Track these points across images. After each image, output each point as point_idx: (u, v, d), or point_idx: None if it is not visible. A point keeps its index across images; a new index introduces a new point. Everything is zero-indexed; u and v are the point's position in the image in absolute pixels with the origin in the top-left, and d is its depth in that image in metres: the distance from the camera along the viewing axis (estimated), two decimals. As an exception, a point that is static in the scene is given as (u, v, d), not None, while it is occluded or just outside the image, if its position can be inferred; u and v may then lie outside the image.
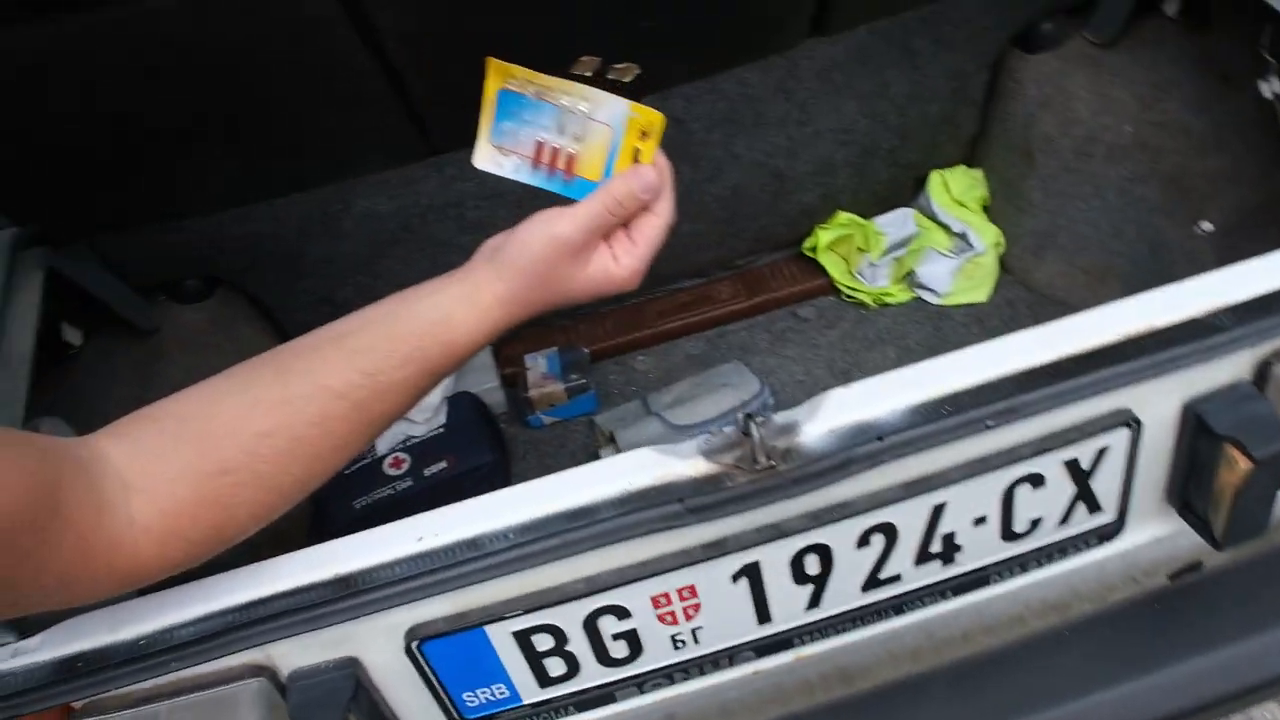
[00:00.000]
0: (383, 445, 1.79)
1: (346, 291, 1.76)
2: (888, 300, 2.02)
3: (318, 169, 1.28)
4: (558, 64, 1.27)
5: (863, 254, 2.06)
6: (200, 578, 1.02)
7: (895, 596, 1.18)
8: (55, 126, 1.12)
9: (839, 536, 1.08)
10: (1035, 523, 1.16)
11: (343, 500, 1.71)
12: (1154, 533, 1.26)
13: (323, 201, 1.53)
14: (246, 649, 0.97)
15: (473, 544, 1.00)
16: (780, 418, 1.06)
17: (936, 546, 1.14)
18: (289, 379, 0.83)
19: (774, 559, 1.08)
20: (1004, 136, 1.85)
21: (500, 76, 0.94)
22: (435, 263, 1.76)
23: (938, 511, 1.10)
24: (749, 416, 1.03)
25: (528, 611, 1.04)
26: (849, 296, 2.05)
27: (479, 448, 1.76)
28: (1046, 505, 1.15)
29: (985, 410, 1.03)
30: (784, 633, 1.17)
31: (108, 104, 1.10)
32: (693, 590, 1.08)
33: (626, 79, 1.38)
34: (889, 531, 1.10)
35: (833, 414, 1.05)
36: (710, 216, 1.90)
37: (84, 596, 0.80)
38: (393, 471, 1.74)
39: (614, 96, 0.98)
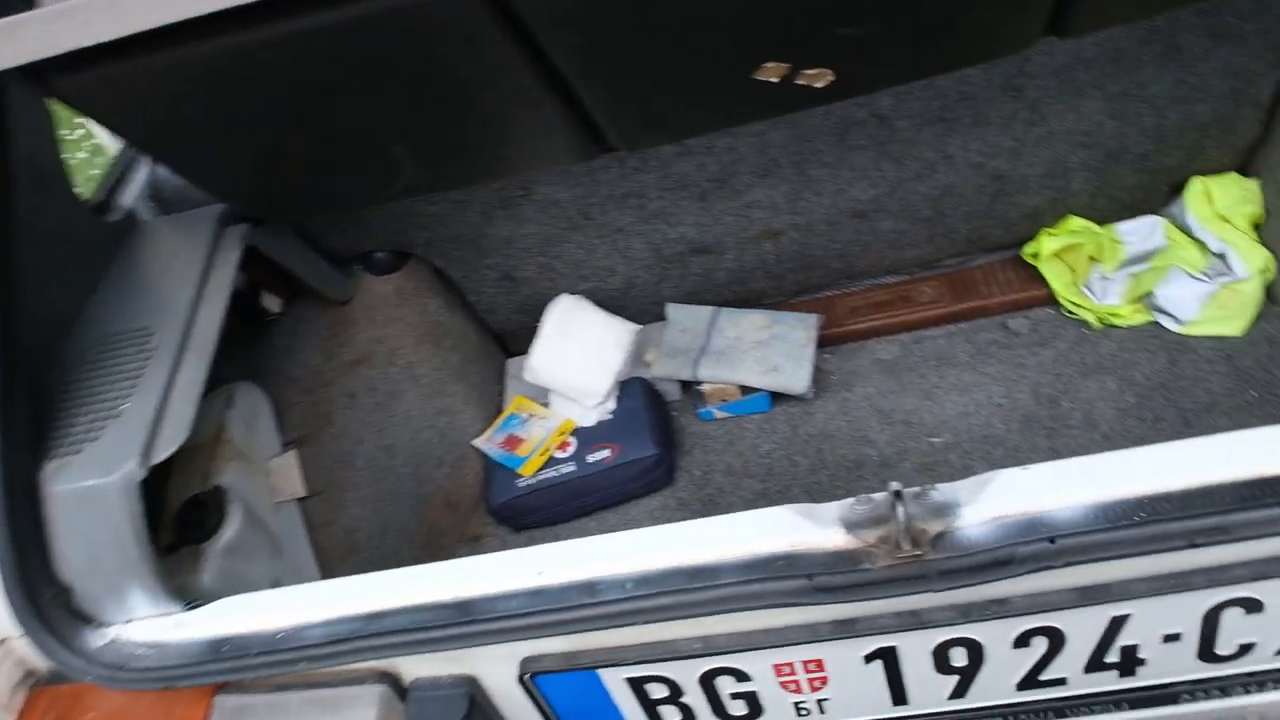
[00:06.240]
0: (552, 424, 1.81)
1: (528, 270, 1.76)
2: (1115, 321, 1.77)
3: (491, 167, 1.26)
4: (742, 72, 1.17)
5: (1094, 264, 1.82)
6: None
7: (1057, 699, 1.05)
8: (257, 123, 1.16)
9: (992, 635, 0.96)
10: (1246, 647, 0.98)
11: (508, 478, 1.75)
12: None
13: (504, 187, 1.53)
14: (367, 660, 0.99)
15: (589, 588, 0.97)
16: (939, 494, 0.94)
17: (1113, 657, 0.99)
18: None
19: (914, 647, 0.98)
20: (1293, 146, 1.55)
21: None
22: (615, 248, 1.73)
23: (1117, 623, 0.95)
24: (898, 494, 0.92)
25: (642, 662, 1.00)
26: (1070, 312, 1.81)
27: (643, 440, 1.73)
28: (1265, 632, 0.97)
29: (1189, 525, 0.86)
30: (921, 717, 1.07)
31: (301, 106, 1.12)
32: (820, 664, 1.00)
33: (818, 85, 1.26)
34: (1054, 636, 0.97)
35: (1000, 499, 0.92)
36: (915, 215, 1.74)
37: None
38: (560, 454, 1.76)
39: None
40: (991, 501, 0.92)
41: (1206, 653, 0.98)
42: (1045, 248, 1.81)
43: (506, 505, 1.74)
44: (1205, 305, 1.71)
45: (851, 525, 0.94)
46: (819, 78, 1.17)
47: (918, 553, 0.90)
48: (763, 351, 1.82)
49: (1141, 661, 0.99)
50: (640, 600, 0.95)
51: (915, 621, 0.95)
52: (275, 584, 1.38)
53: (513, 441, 1.82)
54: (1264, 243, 1.68)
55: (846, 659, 0.99)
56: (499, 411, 1.90)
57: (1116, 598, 0.92)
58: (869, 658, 0.99)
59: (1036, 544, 0.88)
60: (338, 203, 1.35)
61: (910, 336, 1.90)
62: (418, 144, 1.18)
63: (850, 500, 0.97)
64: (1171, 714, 1.07)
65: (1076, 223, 1.80)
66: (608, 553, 0.99)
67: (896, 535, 0.90)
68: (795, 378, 1.78)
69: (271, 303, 1.56)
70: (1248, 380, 1.63)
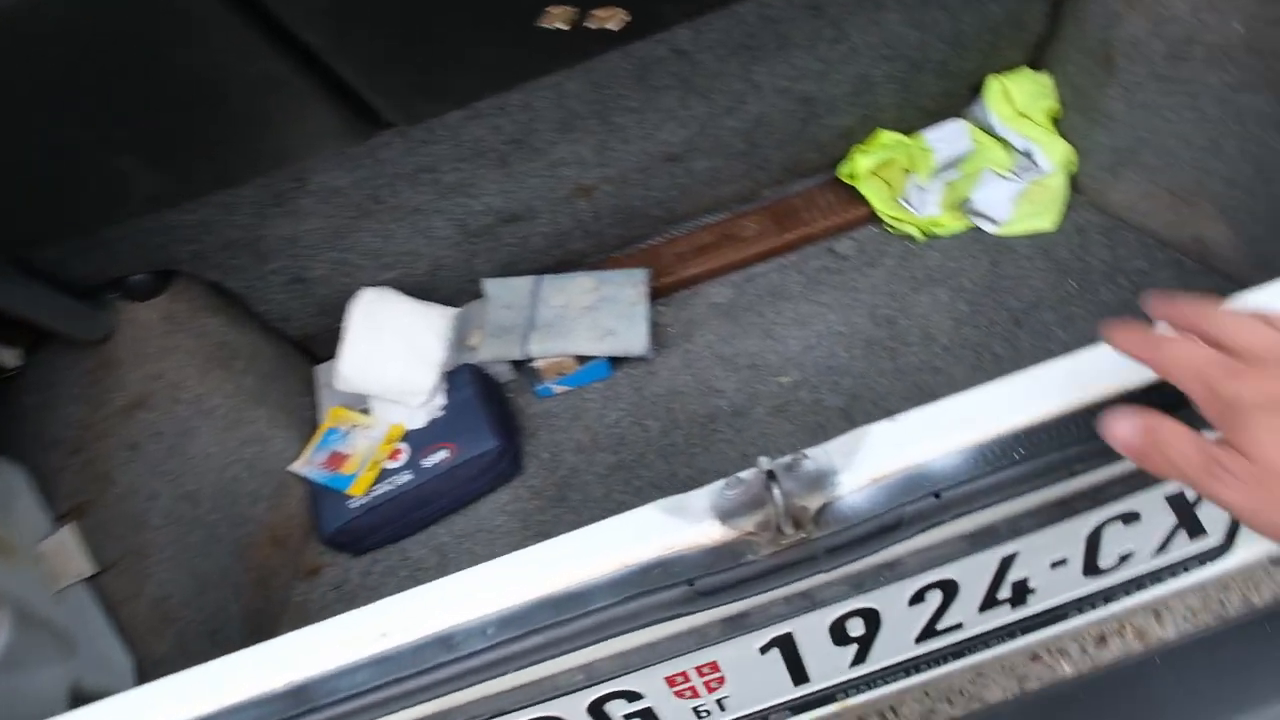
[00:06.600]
0: (378, 433, 1.63)
1: (320, 268, 1.56)
2: (938, 231, 1.77)
3: (249, 164, 1.07)
4: (523, 22, 1.03)
5: (909, 175, 1.80)
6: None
7: (955, 643, 1.01)
8: None
9: (886, 600, 0.90)
10: (1125, 557, 0.97)
11: (338, 501, 1.57)
12: (1268, 548, 1.06)
13: (272, 181, 1.33)
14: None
15: (445, 642, 0.84)
16: (812, 463, 0.86)
17: (1005, 593, 0.96)
18: None
19: (809, 628, 0.91)
20: (1079, 39, 1.55)
21: None
22: (415, 229, 1.56)
23: (1007, 562, 0.91)
24: (770, 473, 0.84)
25: (520, 708, 0.88)
26: (892, 228, 1.80)
27: (481, 433, 1.59)
28: (1140, 539, 0.95)
29: (1067, 453, 0.82)
30: (824, 690, 1.01)
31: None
32: (714, 666, 0.92)
33: (611, 26, 1.13)
34: (948, 587, 0.92)
35: (876, 458, 0.85)
36: (729, 150, 1.66)
37: None
38: (391, 465, 1.59)
39: None
40: (868, 462, 0.85)
41: (1090, 569, 0.96)
42: (860, 166, 1.77)
43: (341, 531, 1.56)
44: (1017, 204, 1.72)
45: (726, 514, 0.85)
46: (612, 18, 1.04)
47: (802, 534, 0.81)
48: (594, 316, 1.70)
49: (1032, 591, 0.97)
50: (506, 646, 0.83)
51: (808, 603, 0.87)
52: (74, 688, 1.16)
53: (336, 459, 1.63)
54: (1063, 135, 1.71)
55: (741, 655, 0.91)
56: (315, 428, 1.70)
57: (1005, 538, 0.88)
58: (764, 649, 0.91)
59: (922, 501, 0.82)
60: (59, 230, 1.11)
61: (741, 275, 1.84)
62: (149, 150, 0.97)
63: (719, 484, 0.87)
64: (1062, 630, 1.05)
65: (887, 136, 1.77)
66: (460, 595, 0.86)
67: (776, 519, 0.82)
68: (632, 339, 1.68)
69: (7, 356, 1.30)
70: (1065, 271, 1.66)
